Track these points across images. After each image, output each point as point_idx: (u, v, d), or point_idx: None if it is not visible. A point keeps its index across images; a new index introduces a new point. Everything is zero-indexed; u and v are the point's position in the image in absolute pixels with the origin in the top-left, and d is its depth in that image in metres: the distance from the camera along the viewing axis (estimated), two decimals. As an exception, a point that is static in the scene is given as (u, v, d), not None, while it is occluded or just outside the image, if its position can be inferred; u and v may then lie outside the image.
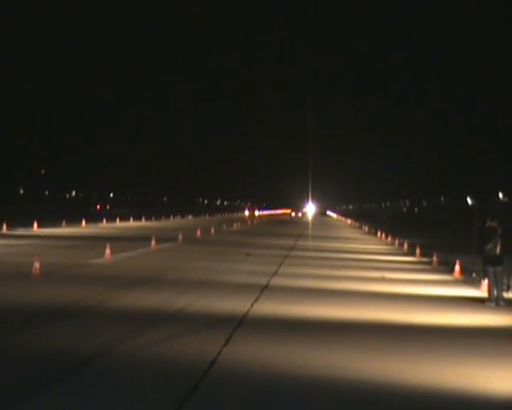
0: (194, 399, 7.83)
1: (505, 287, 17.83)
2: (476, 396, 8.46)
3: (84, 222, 53.77)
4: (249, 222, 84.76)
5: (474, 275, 22.00)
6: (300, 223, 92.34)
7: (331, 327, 12.80)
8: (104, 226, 54.38)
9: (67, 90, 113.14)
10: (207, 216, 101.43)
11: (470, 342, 11.85)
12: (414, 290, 18.91)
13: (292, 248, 35.61)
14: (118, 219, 64.44)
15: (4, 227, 40.81)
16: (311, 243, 40.42)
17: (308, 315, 13.90)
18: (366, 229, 70.00)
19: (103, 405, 7.57)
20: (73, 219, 55.47)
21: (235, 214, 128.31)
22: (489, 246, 16.72)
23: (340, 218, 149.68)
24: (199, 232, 42.91)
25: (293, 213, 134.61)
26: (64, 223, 51.02)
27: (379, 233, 54.95)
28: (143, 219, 71.30)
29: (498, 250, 16.72)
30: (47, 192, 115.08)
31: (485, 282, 17.50)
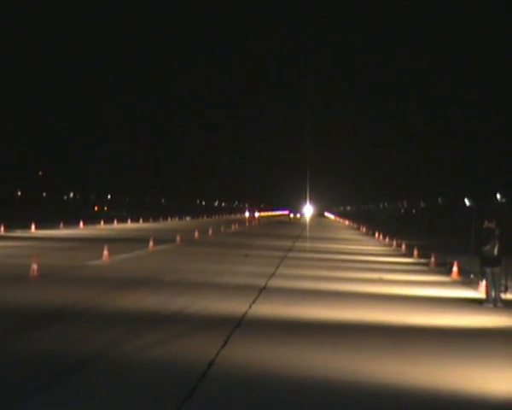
0: (192, 400, 7.84)
1: (503, 288, 17.86)
2: (474, 397, 8.47)
3: (81, 224, 53.72)
4: (248, 224, 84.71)
5: (471, 276, 22.03)
6: (298, 224, 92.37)
7: (329, 328, 12.81)
8: (102, 228, 54.35)
9: (66, 90, 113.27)
10: (205, 217, 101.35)
11: (468, 344, 11.87)
12: (412, 292, 18.93)
13: (290, 249, 35.61)
14: (115, 221, 64.43)
15: (2, 229, 40.81)
16: (308, 245, 40.45)
17: (306, 316, 13.91)
18: (364, 230, 70.06)
19: (102, 406, 7.58)
20: (71, 221, 55.42)
21: (233, 216, 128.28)
22: (487, 247, 16.72)
23: (337, 219, 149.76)
24: (197, 234, 42.92)
25: (291, 215, 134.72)
26: (62, 224, 50.95)
27: (377, 234, 55.01)
28: (141, 220, 71.27)
29: (496, 251, 16.71)
30: (44, 194, 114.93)
31: (483, 283, 17.49)
